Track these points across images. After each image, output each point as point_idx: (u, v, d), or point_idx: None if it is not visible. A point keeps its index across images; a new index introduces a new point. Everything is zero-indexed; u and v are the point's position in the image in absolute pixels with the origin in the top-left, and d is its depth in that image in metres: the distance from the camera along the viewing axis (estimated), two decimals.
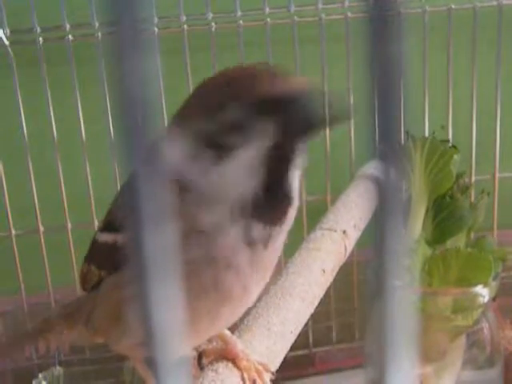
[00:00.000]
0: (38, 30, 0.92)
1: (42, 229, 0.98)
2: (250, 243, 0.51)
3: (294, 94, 0.47)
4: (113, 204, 0.59)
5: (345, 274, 0.80)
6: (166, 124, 0.51)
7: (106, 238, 0.58)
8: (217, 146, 0.48)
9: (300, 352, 1.06)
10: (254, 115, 0.47)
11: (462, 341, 0.88)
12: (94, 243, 0.60)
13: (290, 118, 0.47)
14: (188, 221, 0.48)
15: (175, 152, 0.48)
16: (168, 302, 0.20)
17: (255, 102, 0.47)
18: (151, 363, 0.21)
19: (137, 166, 0.19)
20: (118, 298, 0.55)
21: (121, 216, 0.53)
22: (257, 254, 0.52)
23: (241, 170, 0.48)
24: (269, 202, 0.50)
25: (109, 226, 0.58)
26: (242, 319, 0.61)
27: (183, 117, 0.50)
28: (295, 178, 0.50)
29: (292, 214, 0.53)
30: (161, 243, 0.20)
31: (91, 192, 0.96)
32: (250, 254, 0.51)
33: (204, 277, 0.51)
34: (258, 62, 0.53)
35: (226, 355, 0.58)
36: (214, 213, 0.49)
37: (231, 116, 0.47)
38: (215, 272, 0.51)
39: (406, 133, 0.89)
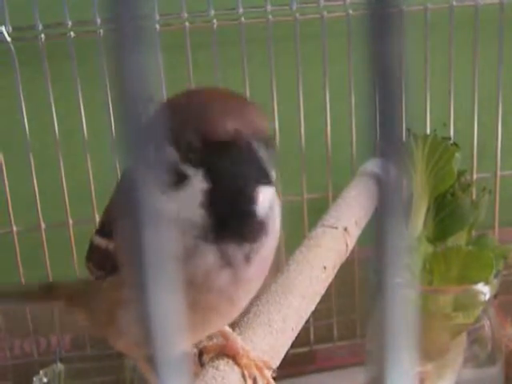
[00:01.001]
0: (40, 26, 0.92)
1: (43, 225, 0.98)
2: (230, 263, 0.51)
3: (240, 141, 0.47)
4: (109, 203, 0.58)
5: (346, 271, 0.80)
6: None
7: (99, 242, 0.58)
8: (175, 173, 0.49)
9: (301, 349, 1.06)
10: (206, 151, 0.48)
11: (463, 339, 0.88)
12: (91, 244, 0.60)
13: (233, 163, 0.48)
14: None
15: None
16: (167, 299, 0.20)
17: (207, 141, 0.48)
18: (152, 361, 0.21)
19: (137, 162, 0.19)
20: (113, 299, 0.55)
21: (114, 218, 0.53)
22: (239, 272, 0.51)
23: (193, 197, 0.49)
24: (233, 222, 0.50)
25: (102, 228, 0.58)
26: (242, 316, 0.61)
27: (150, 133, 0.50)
28: (264, 194, 0.50)
29: (273, 225, 0.53)
30: (159, 243, 0.20)
31: (92, 188, 0.96)
32: (231, 273, 0.51)
33: (187, 298, 0.49)
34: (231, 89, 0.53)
35: (227, 352, 0.58)
36: (179, 239, 0.49)
37: (186, 148, 0.48)
38: (197, 296, 0.51)
39: (408, 130, 0.89)
